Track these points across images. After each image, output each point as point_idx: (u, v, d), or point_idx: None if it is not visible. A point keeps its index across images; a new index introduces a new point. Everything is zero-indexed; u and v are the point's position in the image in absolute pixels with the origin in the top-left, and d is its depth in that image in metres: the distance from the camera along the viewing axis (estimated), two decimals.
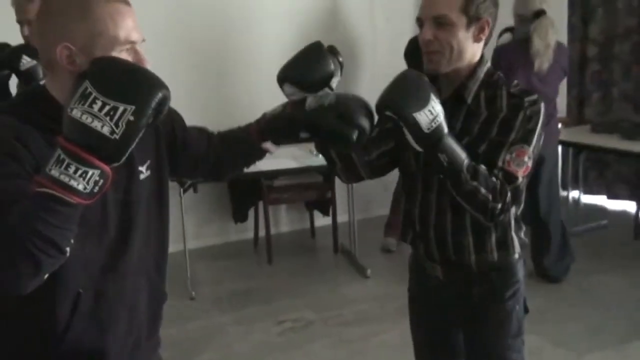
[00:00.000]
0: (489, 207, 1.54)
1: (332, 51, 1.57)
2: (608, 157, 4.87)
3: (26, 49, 2.65)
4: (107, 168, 1.07)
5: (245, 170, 1.70)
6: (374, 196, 4.82)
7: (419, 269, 1.86)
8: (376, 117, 1.52)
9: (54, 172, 1.04)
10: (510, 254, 1.71)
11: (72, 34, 1.18)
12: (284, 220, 5.01)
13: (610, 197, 5.02)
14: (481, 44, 1.63)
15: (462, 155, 1.50)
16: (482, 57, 1.66)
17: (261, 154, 1.59)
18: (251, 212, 4.64)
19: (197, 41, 4.47)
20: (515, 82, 1.67)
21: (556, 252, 3.80)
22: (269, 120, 1.56)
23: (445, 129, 1.48)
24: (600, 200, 5.07)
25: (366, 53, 5.05)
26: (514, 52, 3.60)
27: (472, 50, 1.61)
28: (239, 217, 4.63)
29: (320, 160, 3.99)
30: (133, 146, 1.09)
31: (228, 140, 1.62)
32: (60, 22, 1.20)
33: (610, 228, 4.65)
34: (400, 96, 1.46)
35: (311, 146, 4.27)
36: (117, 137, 1.05)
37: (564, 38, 4.68)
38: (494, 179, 1.53)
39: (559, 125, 4.21)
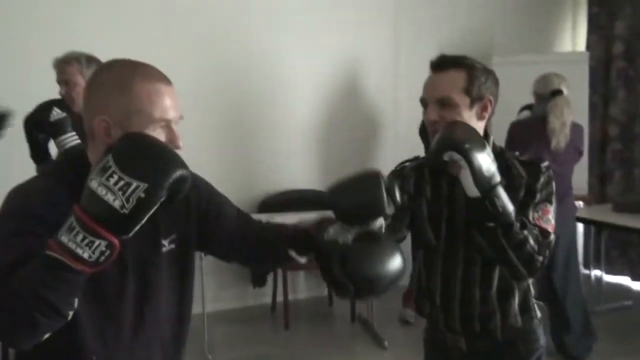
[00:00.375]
0: (535, 259, 1.56)
1: (390, 192, 1.41)
2: (631, 236, 4.82)
3: (58, 103, 2.83)
4: (114, 240, 1.09)
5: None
6: None
7: (437, 342, 1.84)
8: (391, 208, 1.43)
9: (64, 238, 1.08)
10: (532, 317, 1.73)
11: (110, 108, 1.24)
12: (302, 287, 5.00)
13: (634, 278, 4.93)
14: (485, 120, 1.69)
15: (511, 205, 1.53)
16: (485, 131, 1.72)
17: (288, 260, 1.54)
18: (270, 277, 4.64)
19: (225, 105, 4.60)
20: (517, 153, 1.73)
21: (577, 331, 3.72)
22: (293, 232, 1.54)
23: (499, 177, 1.51)
24: (623, 280, 4.98)
25: (388, 124, 5.13)
26: (530, 128, 3.65)
27: (477, 127, 1.66)
28: (258, 281, 4.63)
29: None
30: (143, 221, 1.11)
31: (263, 234, 1.59)
32: (102, 95, 1.25)
33: (635, 309, 4.54)
34: (464, 137, 1.49)
35: (331, 213, 4.32)
36: (127, 211, 1.07)
37: (585, 117, 4.73)
38: (535, 231, 1.58)
39: (580, 204, 4.20)
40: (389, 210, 1.40)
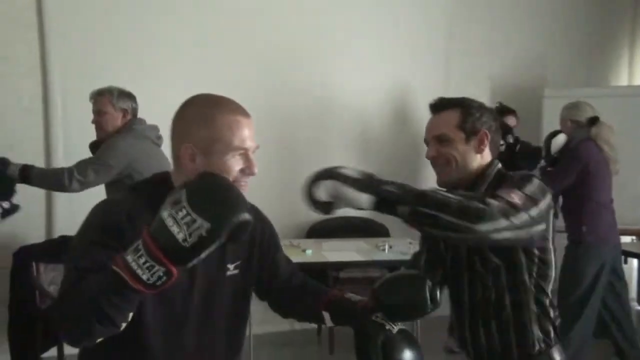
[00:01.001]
0: (469, 206, 1.41)
1: (432, 293, 1.54)
2: None
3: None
4: (172, 268, 1.16)
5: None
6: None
7: None
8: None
9: (129, 257, 1.17)
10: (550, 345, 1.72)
11: (195, 137, 1.38)
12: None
13: None
14: (485, 153, 1.76)
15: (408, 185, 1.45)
16: (492, 160, 1.78)
17: (317, 319, 1.65)
18: None
19: (277, 130, 4.70)
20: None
21: None
22: (338, 300, 1.61)
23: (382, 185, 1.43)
24: None
25: None
26: (590, 149, 3.60)
27: (477, 159, 1.75)
28: None
29: (385, 254, 4.02)
30: (202, 256, 1.17)
31: (301, 289, 1.71)
32: (188, 125, 1.40)
33: None
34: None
35: (378, 241, 4.34)
36: (188, 245, 1.14)
37: None
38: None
39: (634, 238, 4.09)
40: (431, 308, 1.53)
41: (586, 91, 4.79)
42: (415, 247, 3.73)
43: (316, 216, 4.82)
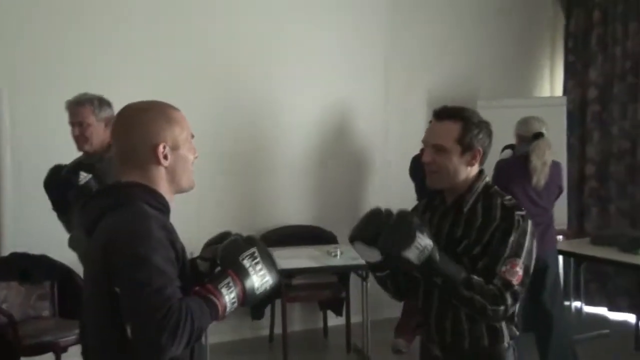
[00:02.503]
0: (488, 311, 1.76)
1: (388, 215, 1.81)
2: (608, 269, 4.99)
3: (81, 165, 2.90)
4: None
5: None
6: (386, 298, 4.90)
7: (424, 352, 2.07)
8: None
9: (224, 291, 1.44)
10: (500, 342, 1.89)
11: (165, 136, 1.56)
12: (298, 319, 5.09)
13: (611, 308, 5.08)
14: (475, 167, 1.91)
15: (456, 273, 1.76)
16: (480, 172, 1.94)
17: None
18: (267, 309, 4.73)
19: (228, 146, 4.76)
20: (509, 197, 1.92)
21: (563, 359, 3.84)
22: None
23: (437, 256, 1.74)
24: (601, 311, 5.12)
25: (378, 164, 5.32)
26: (514, 166, 3.85)
27: (466, 171, 1.90)
28: (257, 314, 4.72)
29: (337, 260, 4.16)
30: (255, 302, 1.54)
31: None
32: (155, 128, 1.56)
33: (612, 338, 4.69)
34: (389, 241, 1.75)
35: (328, 247, 4.47)
36: (257, 293, 1.50)
37: (563, 157, 4.95)
38: (491, 286, 1.76)
39: (560, 237, 4.36)
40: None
41: (513, 102, 5.09)
42: None
43: (266, 226, 5.00)
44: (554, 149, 3.98)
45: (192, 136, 1.62)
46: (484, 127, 1.89)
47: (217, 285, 1.43)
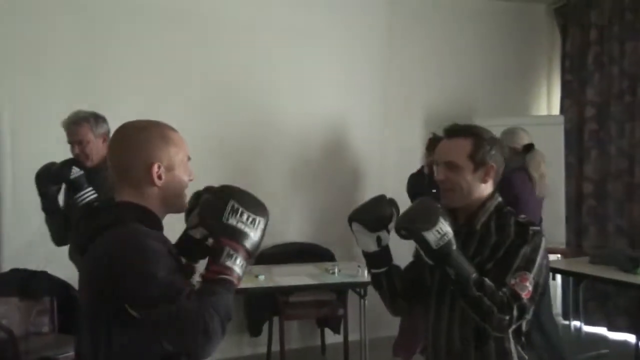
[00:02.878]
0: (495, 317, 1.72)
1: (392, 203, 1.90)
2: (608, 288, 4.96)
3: (75, 162, 2.97)
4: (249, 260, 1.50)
5: None
6: (385, 316, 4.88)
7: None
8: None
9: (229, 263, 1.43)
10: None
11: (160, 156, 1.56)
12: (296, 336, 5.06)
13: (610, 329, 5.04)
14: (489, 184, 1.89)
15: (469, 269, 1.73)
16: (493, 192, 1.91)
17: None
18: (265, 327, 4.70)
19: (224, 161, 4.76)
20: (523, 215, 1.89)
21: None
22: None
23: (453, 246, 1.72)
24: (601, 330, 5.09)
25: (375, 178, 5.31)
26: (523, 181, 3.84)
27: (480, 189, 1.88)
28: (254, 331, 4.69)
29: (335, 278, 4.14)
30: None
31: None
32: (149, 147, 1.56)
33: (611, 358, 4.66)
34: (411, 218, 1.75)
35: (326, 265, 4.45)
36: (258, 239, 1.49)
37: (561, 175, 4.96)
38: (500, 293, 1.73)
39: (558, 256, 4.36)
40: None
41: (510, 120, 5.09)
42: (363, 270, 3.88)
43: (264, 243, 4.93)
44: (552, 167, 4.00)
45: (189, 158, 1.62)
46: (497, 143, 1.89)
47: (219, 261, 1.43)
